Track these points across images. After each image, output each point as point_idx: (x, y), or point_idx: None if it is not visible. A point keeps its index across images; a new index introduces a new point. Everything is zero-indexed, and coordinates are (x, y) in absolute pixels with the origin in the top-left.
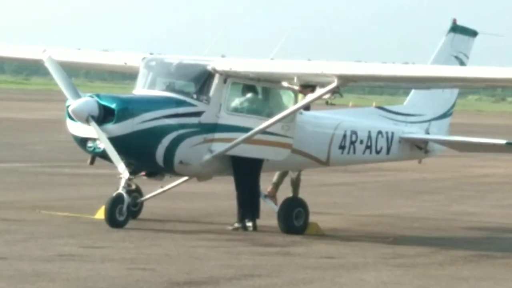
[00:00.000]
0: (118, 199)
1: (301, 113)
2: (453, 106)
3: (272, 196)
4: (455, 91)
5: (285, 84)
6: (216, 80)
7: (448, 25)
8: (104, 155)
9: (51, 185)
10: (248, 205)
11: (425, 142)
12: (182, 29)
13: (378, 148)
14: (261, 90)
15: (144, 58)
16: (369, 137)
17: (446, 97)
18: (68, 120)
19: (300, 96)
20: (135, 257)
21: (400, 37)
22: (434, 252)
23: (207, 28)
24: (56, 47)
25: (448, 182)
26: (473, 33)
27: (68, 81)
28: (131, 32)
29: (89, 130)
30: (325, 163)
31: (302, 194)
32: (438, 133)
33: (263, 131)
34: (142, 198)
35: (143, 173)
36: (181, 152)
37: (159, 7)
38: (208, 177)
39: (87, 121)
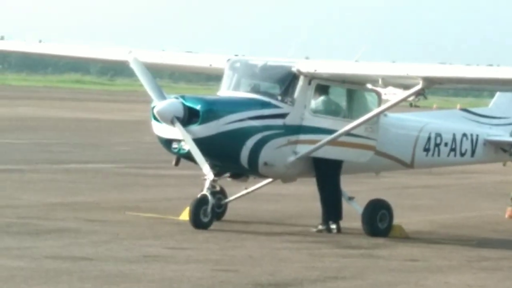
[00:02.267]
0: (203, 200)
1: (385, 115)
2: None
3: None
4: None
5: (369, 86)
6: (300, 82)
7: None
8: (188, 157)
9: (136, 186)
10: (332, 207)
11: (510, 144)
12: (265, 31)
13: (463, 151)
14: (345, 92)
15: (229, 59)
16: (454, 139)
17: None
18: (153, 121)
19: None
20: (219, 259)
21: (483, 38)
22: None
23: (292, 31)
24: (141, 49)
25: None
26: None
27: (153, 82)
28: (215, 33)
29: (174, 131)
30: (410, 165)
31: (386, 196)
32: None
33: (347, 133)
34: (227, 200)
35: (227, 174)
36: (265, 154)
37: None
38: (292, 178)
39: (172, 122)
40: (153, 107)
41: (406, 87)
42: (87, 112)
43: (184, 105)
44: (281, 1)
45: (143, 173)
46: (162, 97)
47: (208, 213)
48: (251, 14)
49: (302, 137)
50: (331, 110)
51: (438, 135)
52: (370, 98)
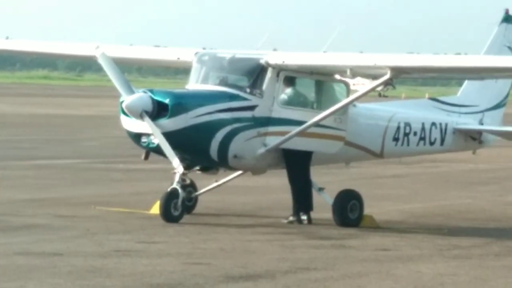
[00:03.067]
0: (173, 194)
1: (354, 106)
2: (506, 96)
3: None
4: (509, 81)
5: (338, 76)
6: (269, 74)
7: (501, 15)
8: (158, 150)
9: (105, 181)
10: (303, 198)
11: (479, 132)
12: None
13: (432, 140)
14: (314, 83)
15: (197, 53)
16: (423, 128)
17: (500, 87)
18: (122, 116)
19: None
20: (191, 252)
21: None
22: (490, 243)
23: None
24: (109, 44)
25: (502, 172)
26: None
27: (121, 77)
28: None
29: (143, 126)
30: (379, 155)
31: (356, 187)
32: (491, 123)
33: (316, 124)
34: (197, 193)
35: (197, 167)
36: (235, 146)
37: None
38: (262, 170)
39: (141, 116)
40: (122, 102)
41: (374, 77)
42: (55, 108)
43: (152, 99)
44: None
45: (113, 168)
46: (131, 91)
47: (178, 207)
48: (218, 7)
49: (271, 129)
50: (300, 101)
51: (407, 124)
52: (339, 88)
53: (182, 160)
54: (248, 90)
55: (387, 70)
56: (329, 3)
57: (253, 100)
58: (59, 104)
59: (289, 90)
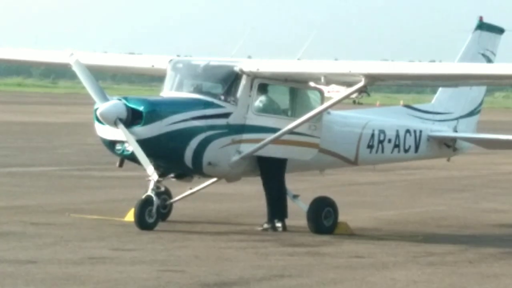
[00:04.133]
0: (147, 201)
1: (328, 113)
2: (480, 103)
3: None
4: (483, 89)
5: (312, 84)
6: (243, 81)
7: (475, 22)
8: (132, 158)
9: (80, 188)
10: (277, 205)
11: (453, 140)
12: (207, 31)
13: (407, 147)
14: (288, 90)
15: (171, 60)
16: (397, 136)
17: (474, 94)
18: (96, 123)
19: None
20: (165, 259)
21: (426, 35)
22: (464, 250)
23: (234, 30)
24: (83, 51)
25: (476, 179)
26: (499, 31)
27: (95, 84)
28: (156, 35)
29: (118, 133)
30: (354, 162)
31: (330, 194)
32: (466, 130)
33: (290, 131)
34: (171, 200)
35: (172, 175)
36: (209, 154)
37: (182, 10)
38: (237, 178)
39: (115, 124)
40: (96, 109)
41: (349, 84)
42: (29, 115)
43: (127, 106)
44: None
45: (87, 175)
46: (105, 98)
47: (153, 214)
48: (192, 14)
49: (246, 136)
50: (274, 108)
51: (382, 131)
52: (313, 96)
53: (156, 167)
54: (222, 97)
55: (362, 77)
56: (304, 10)
57: (227, 108)
58: (33, 111)
59: (263, 98)
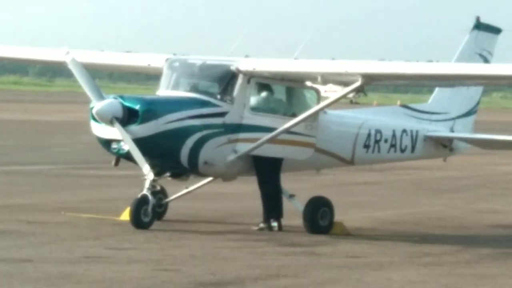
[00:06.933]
0: (143, 200)
1: (325, 113)
2: (477, 103)
3: None
4: (480, 89)
5: (309, 83)
6: (239, 80)
7: (472, 22)
8: (128, 157)
9: (75, 187)
10: (273, 205)
11: (450, 140)
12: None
13: (403, 147)
14: (285, 89)
15: (167, 59)
16: (394, 135)
17: (471, 94)
18: (92, 122)
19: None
20: (161, 258)
21: (424, 35)
22: (461, 251)
23: (231, 28)
24: (80, 49)
25: (473, 180)
26: (496, 31)
27: (91, 82)
28: (154, 33)
29: (113, 132)
30: (350, 162)
31: (327, 194)
32: (463, 131)
33: (286, 131)
34: (167, 199)
35: (168, 174)
36: (205, 153)
37: (181, 8)
38: (233, 177)
39: (111, 122)
40: (92, 108)
41: (345, 84)
42: (26, 114)
43: (123, 105)
44: None
45: (83, 174)
46: (101, 97)
47: (148, 213)
48: (189, 13)
49: (242, 135)
50: (270, 108)
51: (378, 131)
52: (310, 95)
53: (152, 166)
54: (218, 96)
55: (358, 77)
56: (301, 10)
57: (223, 107)
58: (29, 110)
59: (259, 97)
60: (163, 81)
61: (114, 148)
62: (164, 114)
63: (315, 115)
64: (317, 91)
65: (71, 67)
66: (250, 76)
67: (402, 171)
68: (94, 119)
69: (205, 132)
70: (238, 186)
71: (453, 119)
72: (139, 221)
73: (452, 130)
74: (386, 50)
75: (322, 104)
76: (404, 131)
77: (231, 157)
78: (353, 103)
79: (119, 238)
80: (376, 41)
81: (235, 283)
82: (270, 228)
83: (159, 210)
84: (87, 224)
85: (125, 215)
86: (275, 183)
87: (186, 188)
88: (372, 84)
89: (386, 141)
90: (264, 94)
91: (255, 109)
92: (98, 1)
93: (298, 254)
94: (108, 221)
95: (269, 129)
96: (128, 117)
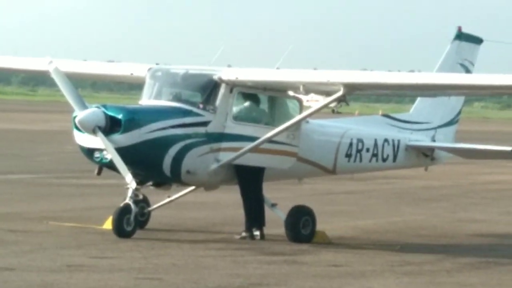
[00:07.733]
0: (126, 209)
1: (307, 122)
2: (459, 113)
3: None
4: (461, 99)
5: (291, 93)
6: (222, 90)
7: (453, 32)
8: (111, 166)
9: (58, 196)
10: (255, 214)
11: (432, 149)
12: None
13: (385, 156)
14: (267, 99)
15: (150, 68)
16: (376, 145)
17: (452, 104)
18: (75, 131)
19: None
20: (143, 267)
21: (405, 45)
22: (442, 259)
23: (213, 38)
24: (62, 59)
25: (454, 189)
26: (478, 41)
27: (74, 92)
28: (136, 42)
29: (96, 141)
30: (332, 171)
31: (308, 203)
32: (444, 140)
33: (269, 140)
34: (150, 208)
35: (150, 183)
36: (188, 162)
37: (163, 18)
38: (215, 186)
39: (94, 131)
40: (75, 117)
41: (327, 93)
42: (8, 123)
43: (105, 114)
44: (203, 8)
45: (65, 183)
46: (84, 106)
47: (131, 222)
48: (172, 22)
49: (224, 144)
50: (253, 117)
51: (360, 141)
52: (292, 105)
53: (135, 175)
54: (201, 106)
55: (340, 86)
56: (283, 19)
57: (206, 116)
58: (12, 119)
59: (242, 106)
60: (146, 90)
61: (97, 157)
62: (147, 123)
63: (298, 124)
64: (300, 101)
65: (54, 76)
66: (232, 86)
67: (384, 180)
68: (77, 128)
69: (187, 141)
70: (220, 195)
71: (435, 128)
72: (121, 230)
73: (433, 140)
74: (368, 60)
75: (305, 113)
76: (386, 140)
77: (214, 166)
78: (335, 112)
79: (102, 247)
80: (358, 51)
81: None
82: (252, 237)
83: (142, 219)
84: (70, 233)
85: (108, 224)
86: (257, 192)
87: (169, 197)
88: (354, 93)
89: (368, 150)
90: (246, 103)
91: (237, 118)
92: (79, 9)
93: (280, 263)
94: (90, 230)
95: (251, 138)
96: (110, 126)
